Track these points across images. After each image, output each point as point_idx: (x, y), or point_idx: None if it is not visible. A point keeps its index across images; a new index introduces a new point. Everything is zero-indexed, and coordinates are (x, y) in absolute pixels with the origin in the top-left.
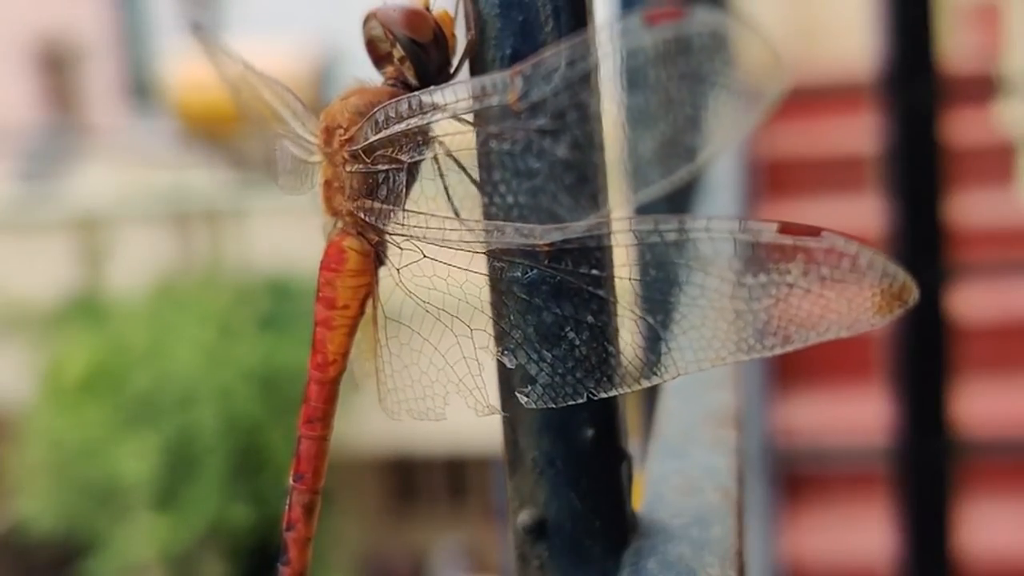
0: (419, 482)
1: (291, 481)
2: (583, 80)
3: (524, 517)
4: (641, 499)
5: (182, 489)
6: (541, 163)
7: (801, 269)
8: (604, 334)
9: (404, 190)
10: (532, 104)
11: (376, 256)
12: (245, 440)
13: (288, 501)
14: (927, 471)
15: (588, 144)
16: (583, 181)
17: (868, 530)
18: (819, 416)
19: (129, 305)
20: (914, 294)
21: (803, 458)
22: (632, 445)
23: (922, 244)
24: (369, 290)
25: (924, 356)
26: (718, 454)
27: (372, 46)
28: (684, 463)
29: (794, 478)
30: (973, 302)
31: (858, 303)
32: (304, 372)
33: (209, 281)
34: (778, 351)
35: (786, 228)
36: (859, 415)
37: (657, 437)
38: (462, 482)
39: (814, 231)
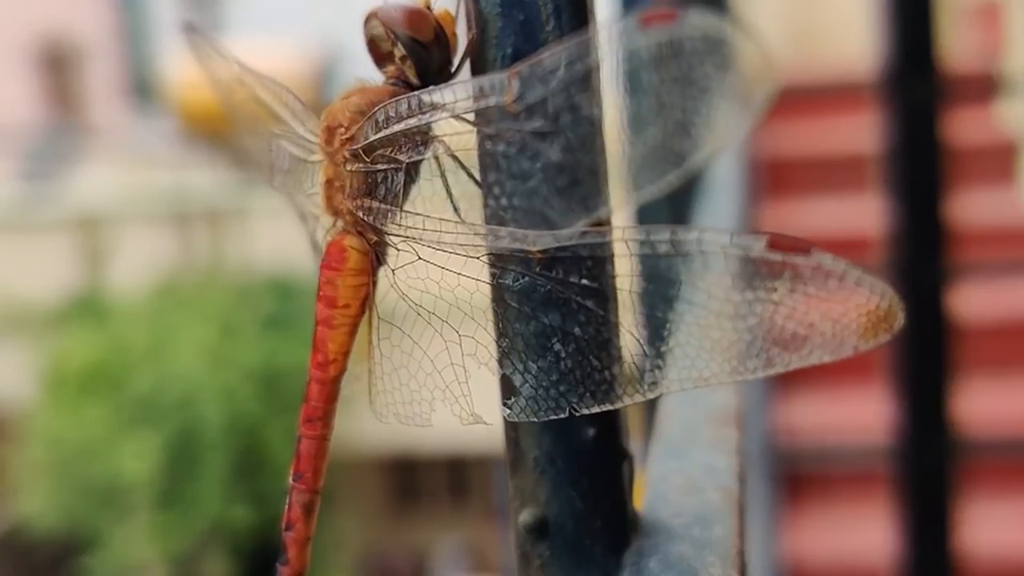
0: (420, 481)
1: (291, 480)
2: (580, 82)
3: (525, 516)
4: (642, 498)
5: (183, 488)
6: (535, 165)
7: (788, 287)
8: (590, 347)
9: (402, 190)
10: (528, 106)
11: (375, 256)
12: (246, 440)
13: (288, 501)
14: (928, 470)
15: (584, 147)
16: (575, 184)
17: (869, 529)
18: (820, 415)
19: (130, 304)
20: (900, 319)
21: (804, 457)
22: (633, 444)
23: (923, 244)
24: (369, 290)
25: (925, 356)
26: (719, 453)
27: (373, 45)
28: (685, 462)
29: (795, 477)
30: (974, 302)
31: (843, 325)
32: (305, 371)
33: (210, 281)
34: (759, 374)
35: (775, 243)
36: (860, 414)
37: (658, 436)
38: (463, 481)
39: (803, 248)
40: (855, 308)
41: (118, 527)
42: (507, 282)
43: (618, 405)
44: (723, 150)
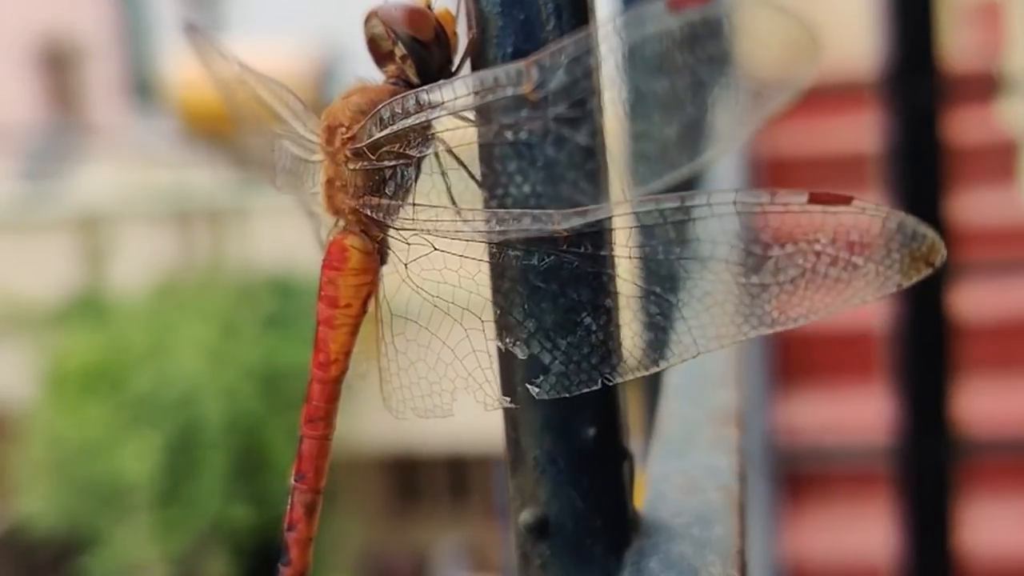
0: (421, 481)
1: (293, 481)
2: (597, 69)
3: (526, 516)
4: (643, 498)
5: (183, 488)
6: (561, 152)
7: (830, 236)
8: (621, 318)
9: (413, 185)
10: (548, 93)
11: (379, 254)
12: (247, 439)
13: (290, 501)
14: (928, 470)
15: (602, 132)
16: (604, 167)
17: (869, 529)
18: (821, 415)
19: (131, 304)
20: (942, 254)
21: (805, 457)
22: (634, 444)
23: None
24: (371, 289)
25: (925, 355)
26: (720, 453)
27: (374, 45)
28: (686, 462)
29: (796, 477)
30: (974, 301)
31: (886, 266)
32: (306, 371)
33: (211, 280)
34: (801, 323)
35: (815, 197)
36: (861, 414)
37: (659, 436)
38: (464, 481)
39: (845, 199)
40: (898, 247)
41: (118, 527)
42: (532, 263)
43: (653, 370)
44: (761, 127)
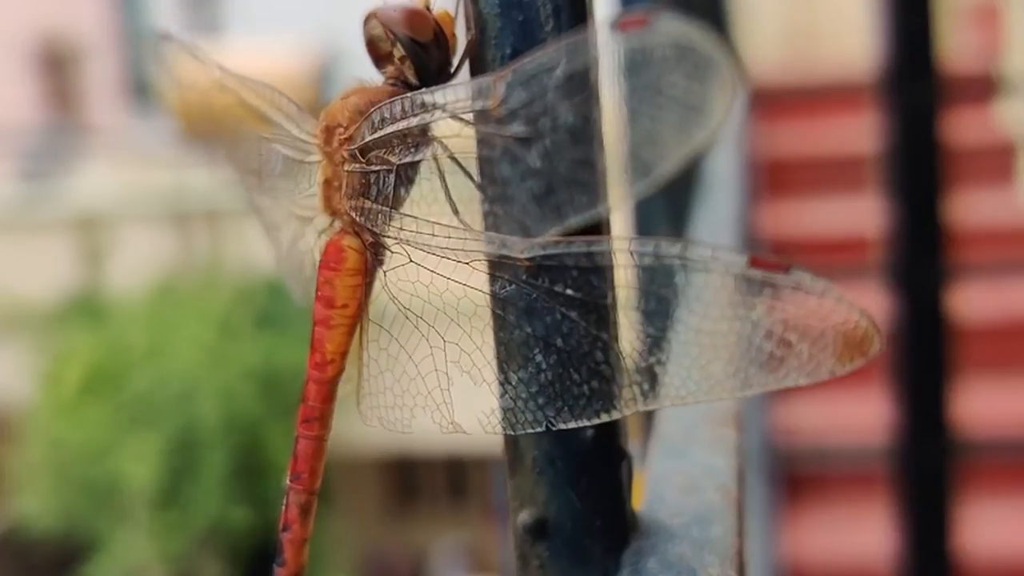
0: (419, 482)
1: (288, 481)
2: (561, 87)
3: (524, 517)
4: (641, 499)
5: (182, 489)
6: (516, 170)
7: (767, 305)
8: (571, 360)
9: (393, 192)
10: (511, 110)
11: (370, 257)
12: (245, 439)
13: (285, 501)
14: (927, 471)
15: (560, 153)
16: (550, 192)
17: (868, 530)
18: (819, 416)
19: (129, 304)
20: (877, 344)
21: (803, 458)
22: (632, 444)
23: (922, 244)
24: (366, 290)
25: (924, 356)
26: (718, 453)
27: (372, 46)
28: (684, 462)
29: (794, 478)
30: (973, 302)
31: (820, 347)
32: (304, 372)
33: (209, 280)
34: (736, 395)
35: (756, 261)
36: (859, 415)
37: (657, 436)
38: (462, 482)
39: (783, 266)
40: (832, 330)
41: (117, 528)
42: (494, 289)
43: (595, 421)
44: (689, 160)
